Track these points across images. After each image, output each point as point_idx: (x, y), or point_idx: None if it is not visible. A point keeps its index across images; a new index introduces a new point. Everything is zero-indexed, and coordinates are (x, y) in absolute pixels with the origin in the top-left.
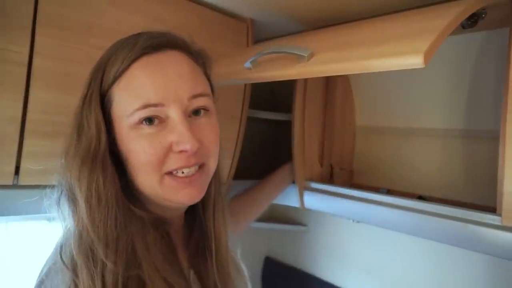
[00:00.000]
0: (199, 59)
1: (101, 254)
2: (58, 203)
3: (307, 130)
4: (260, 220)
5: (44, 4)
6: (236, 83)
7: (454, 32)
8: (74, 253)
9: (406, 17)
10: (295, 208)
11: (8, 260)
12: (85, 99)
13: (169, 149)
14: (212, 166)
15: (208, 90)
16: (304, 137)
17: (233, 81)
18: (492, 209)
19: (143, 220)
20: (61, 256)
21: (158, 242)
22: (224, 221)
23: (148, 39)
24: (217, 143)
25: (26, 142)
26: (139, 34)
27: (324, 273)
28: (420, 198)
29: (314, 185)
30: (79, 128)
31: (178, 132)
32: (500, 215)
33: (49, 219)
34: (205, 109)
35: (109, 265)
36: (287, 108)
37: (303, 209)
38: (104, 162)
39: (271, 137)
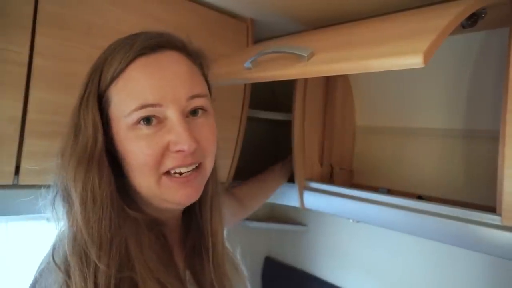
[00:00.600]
0: (197, 59)
1: (94, 256)
2: (53, 203)
3: (307, 130)
4: (260, 220)
5: (44, 4)
6: (236, 83)
7: (454, 32)
8: (68, 254)
9: (406, 17)
10: (295, 208)
11: (8, 260)
12: (83, 99)
13: (166, 149)
14: (209, 166)
15: (206, 91)
16: (304, 137)
17: (233, 81)
18: (492, 209)
19: (138, 221)
20: (53, 257)
21: (152, 243)
22: (221, 221)
23: (146, 39)
24: (214, 143)
25: (26, 142)
26: (136, 34)
27: (324, 273)
28: (420, 198)
29: (314, 185)
30: (76, 128)
31: (175, 132)
32: (500, 215)
33: (48, 219)
34: (203, 109)
35: (102, 267)
36: (287, 108)
37: (303, 209)
38: (100, 163)
39: (271, 137)
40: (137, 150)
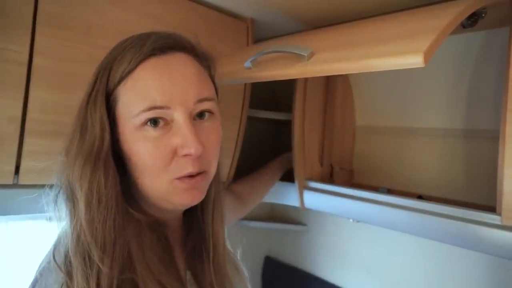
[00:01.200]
0: (205, 61)
1: (97, 258)
2: (56, 201)
3: (307, 130)
4: (260, 220)
5: (44, 3)
6: (236, 82)
7: (454, 32)
8: (70, 254)
9: (406, 17)
10: (295, 207)
11: (8, 260)
12: (90, 98)
13: (174, 153)
14: (213, 170)
15: (214, 94)
16: (304, 137)
17: (233, 81)
18: (492, 209)
19: (140, 222)
20: (54, 256)
21: (154, 245)
22: (222, 222)
23: (156, 40)
24: (218, 147)
25: (26, 141)
26: (147, 34)
27: (324, 273)
28: (420, 197)
29: (314, 184)
30: (83, 127)
31: (182, 135)
32: (500, 214)
33: (48, 219)
34: (210, 112)
35: (105, 270)
36: (287, 108)
37: (303, 209)
38: (106, 162)
39: (271, 137)
40: (144, 151)
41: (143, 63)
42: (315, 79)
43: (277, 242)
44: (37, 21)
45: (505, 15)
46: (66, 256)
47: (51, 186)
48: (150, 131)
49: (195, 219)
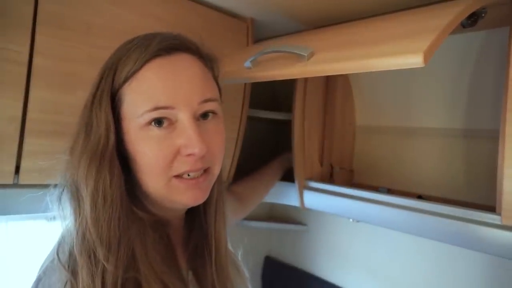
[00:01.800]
0: (209, 62)
1: (101, 257)
2: (59, 200)
3: (307, 130)
4: (260, 219)
5: (44, 3)
6: (236, 82)
7: (454, 31)
8: (76, 252)
9: (406, 17)
10: (295, 207)
11: (8, 260)
12: (95, 98)
13: (177, 153)
14: (217, 170)
15: (217, 95)
16: (304, 137)
17: (233, 81)
18: (492, 209)
19: (143, 221)
20: (58, 255)
21: (156, 244)
22: (224, 222)
23: (162, 41)
24: (223, 148)
25: (26, 141)
26: (152, 35)
27: (324, 273)
28: (420, 197)
29: (314, 184)
30: (87, 127)
31: (187, 136)
32: (500, 214)
33: (48, 219)
34: (213, 113)
35: (110, 268)
36: (287, 107)
37: (303, 209)
38: (111, 161)
39: (271, 137)
40: (148, 150)
41: (148, 64)
42: (315, 79)
43: (277, 242)
44: (37, 21)
45: (505, 15)
46: (71, 254)
47: (55, 185)
48: (154, 130)
49: (197, 219)
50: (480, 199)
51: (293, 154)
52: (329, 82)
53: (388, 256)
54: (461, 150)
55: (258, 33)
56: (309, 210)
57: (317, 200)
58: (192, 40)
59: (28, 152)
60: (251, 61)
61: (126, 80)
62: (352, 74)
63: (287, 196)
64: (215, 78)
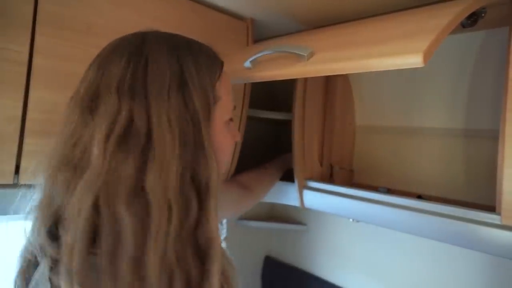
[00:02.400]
0: None
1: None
2: None
3: (307, 130)
4: (260, 219)
5: (44, 3)
6: (236, 82)
7: (454, 31)
8: None
9: (406, 17)
10: (295, 207)
11: (8, 260)
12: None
13: None
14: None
15: None
16: (304, 137)
17: (233, 81)
18: (492, 208)
19: None
20: None
21: None
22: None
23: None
24: None
25: (26, 141)
26: (205, 45)
27: (324, 272)
28: (420, 197)
29: (314, 184)
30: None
31: (236, 130)
32: (499, 214)
33: None
34: None
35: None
36: (287, 107)
37: (303, 209)
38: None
39: (271, 137)
40: (227, 142)
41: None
42: (315, 79)
43: (277, 242)
44: (37, 21)
45: (505, 15)
46: None
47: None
48: (230, 125)
49: None
50: (480, 199)
51: (293, 154)
52: (329, 82)
53: (388, 256)
54: (461, 150)
55: (258, 33)
56: (309, 210)
57: (317, 200)
58: None
59: (28, 152)
60: (251, 61)
61: (218, 78)
62: (352, 74)
63: (287, 196)
64: None
